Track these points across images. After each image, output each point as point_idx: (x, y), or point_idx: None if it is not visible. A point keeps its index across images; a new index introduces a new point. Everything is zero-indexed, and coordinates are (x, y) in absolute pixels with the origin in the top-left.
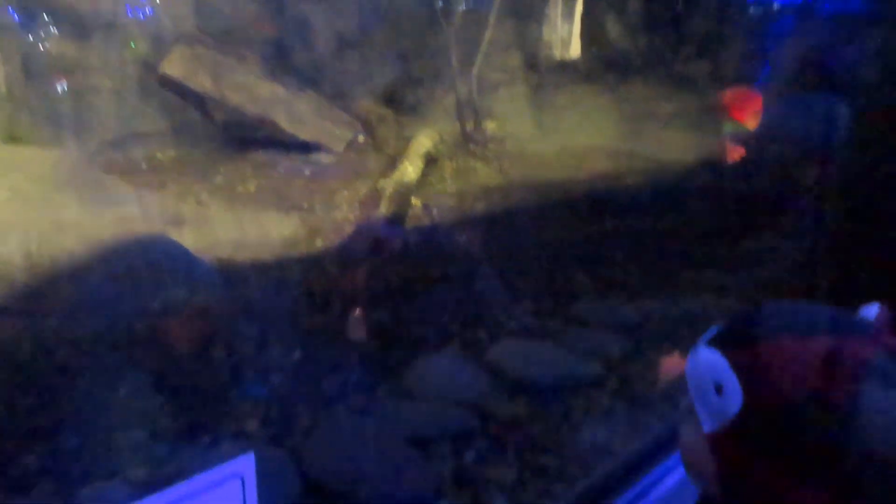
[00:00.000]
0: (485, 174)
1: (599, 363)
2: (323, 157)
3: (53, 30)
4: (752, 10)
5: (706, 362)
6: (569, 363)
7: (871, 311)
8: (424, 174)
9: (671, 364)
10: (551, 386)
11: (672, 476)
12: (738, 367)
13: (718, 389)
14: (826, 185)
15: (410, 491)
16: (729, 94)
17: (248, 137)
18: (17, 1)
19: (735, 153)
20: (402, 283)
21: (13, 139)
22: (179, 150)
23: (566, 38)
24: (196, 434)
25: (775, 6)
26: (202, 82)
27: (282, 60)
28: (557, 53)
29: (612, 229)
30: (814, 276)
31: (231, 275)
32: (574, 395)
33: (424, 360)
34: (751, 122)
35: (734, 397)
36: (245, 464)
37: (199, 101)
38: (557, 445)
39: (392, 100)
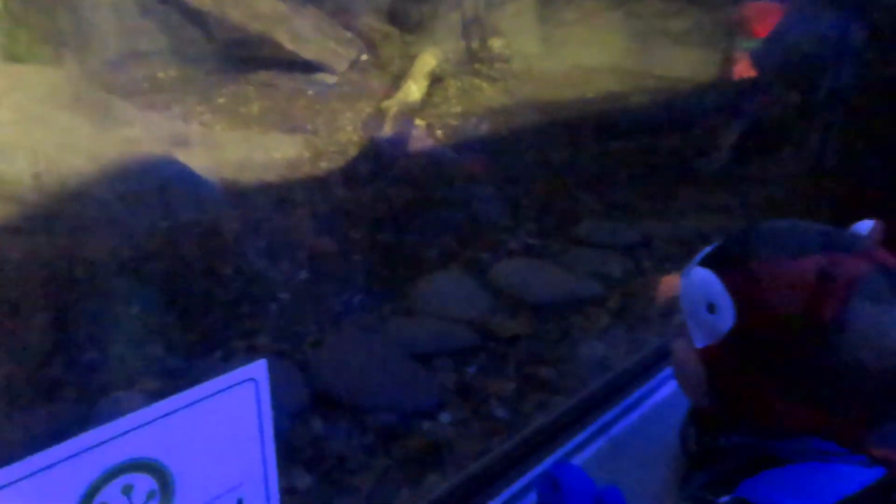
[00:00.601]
0: (490, 94)
1: (600, 283)
2: (326, 77)
3: None
4: None
5: (700, 281)
6: (570, 283)
7: (865, 227)
8: (429, 94)
9: (669, 283)
10: (552, 304)
11: (665, 388)
12: (731, 287)
13: (711, 308)
14: (834, 104)
15: (414, 401)
16: (750, 8)
17: (249, 57)
18: None
19: (747, 70)
20: (406, 204)
21: (14, 58)
22: (181, 70)
23: None
24: (208, 348)
25: None
26: None
27: None
28: None
29: (619, 149)
30: (816, 194)
31: (237, 195)
32: (574, 314)
33: (428, 279)
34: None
35: (726, 315)
36: (258, 370)
37: (199, 18)
38: (557, 361)
39: (395, 17)
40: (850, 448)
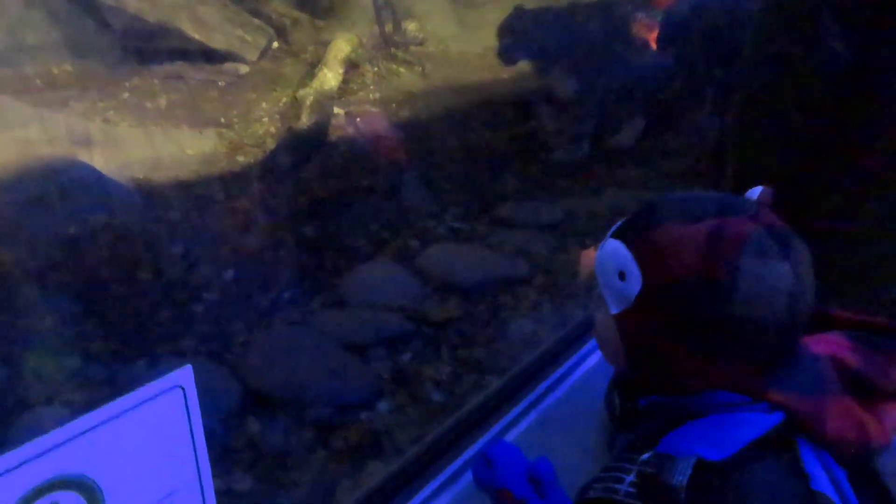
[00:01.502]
0: (407, 78)
1: (526, 261)
2: (237, 67)
3: None
4: None
5: (610, 251)
6: (497, 263)
7: (755, 192)
8: (345, 81)
9: (589, 257)
10: (481, 286)
11: (590, 359)
12: (636, 254)
13: (622, 275)
14: (732, 75)
15: (350, 392)
16: None
17: (152, 48)
18: None
19: (648, 33)
20: (329, 195)
21: None
22: (77, 65)
23: None
24: (131, 356)
25: None
26: None
27: None
28: None
29: (536, 129)
30: (719, 164)
31: (149, 195)
32: (503, 294)
33: (357, 269)
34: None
35: (634, 281)
36: (184, 375)
37: (92, 6)
38: (489, 341)
39: (305, 2)
40: (752, 397)
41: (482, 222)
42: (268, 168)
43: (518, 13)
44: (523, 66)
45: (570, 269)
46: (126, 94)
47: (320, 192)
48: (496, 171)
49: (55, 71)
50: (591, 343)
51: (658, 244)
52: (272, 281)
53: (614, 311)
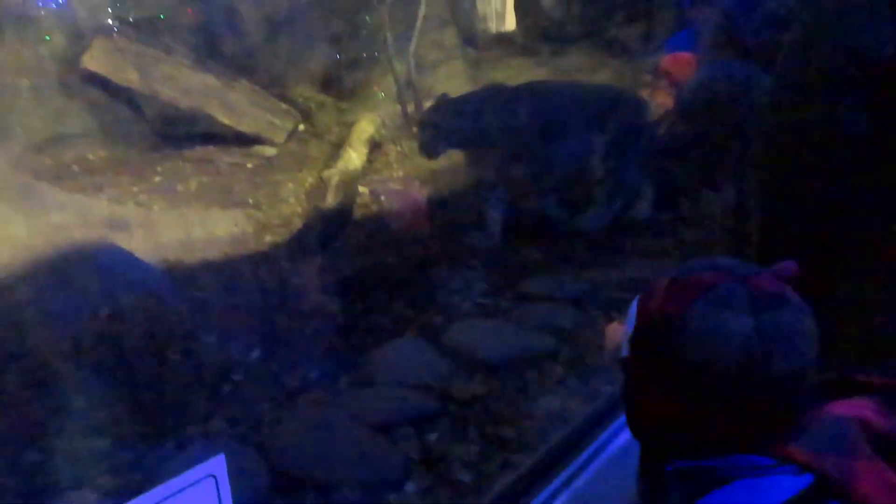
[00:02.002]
0: None
1: (552, 336)
2: (264, 149)
3: None
4: None
5: (633, 303)
6: (522, 338)
7: (783, 266)
8: (369, 160)
9: (614, 330)
10: (507, 362)
11: (622, 435)
12: (638, 299)
13: (630, 320)
14: (749, 148)
15: (378, 473)
16: (669, 59)
17: (183, 133)
18: None
19: (663, 98)
20: (355, 273)
21: None
22: (112, 150)
23: (500, 10)
24: (161, 438)
25: None
26: (128, 76)
27: (211, 49)
28: (493, 27)
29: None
30: (743, 235)
31: (180, 276)
32: (529, 369)
33: (383, 347)
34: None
35: (632, 324)
36: (217, 465)
37: (127, 96)
38: (516, 418)
39: (329, 85)
40: (778, 459)
41: (507, 297)
42: (294, 247)
43: (438, 104)
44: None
45: (596, 342)
46: (158, 178)
47: (347, 271)
48: (519, 243)
49: (91, 157)
50: (622, 419)
51: (651, 291)
52: (299, 360)
53: (623, 354)
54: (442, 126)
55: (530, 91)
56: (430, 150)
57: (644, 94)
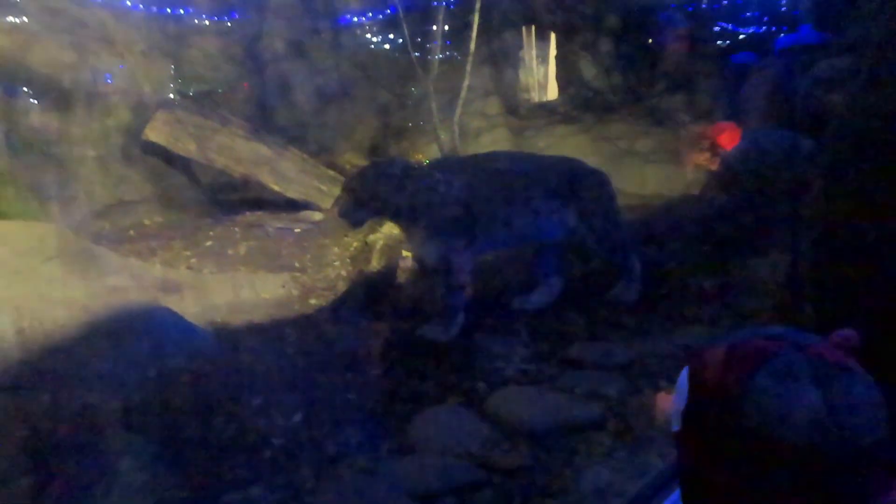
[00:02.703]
0: None
1: (598, 405)
2: (312, 215)
3: (35, 102)
4: (718, 43)
5: (682, 373)
6: (568, 407)
7: (843, 334)
8: None
9: (665, 400)
10: (552, 431)
11: None
12: (690, 372)
13: (680, 392)
14: (799, 214)
15: None
16: (715, 129)
17: (235, 199)
18: (3, 75)
19: (708, 165)
20: (398, 338)
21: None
22: (167, 216)
23: (542, 81)
24: (202, 501)
25: (740, 38)
26: (186, 146)
27: (264, 119)
28: (535, 97)
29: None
30: (796, 303)
31: (227, 338)
32: (576, 439)
33: (425, 413)
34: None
35: (683, 397)
36: None
37: (184, 165)
38: (562, 491)
39: (375, 152)
40: None
41: (551, 363)
42: (338, 311)
43: (362, 172)
44: None
45: (645, 412)
46: (209, 242)
47: (390, 335)
48: (562, 309)
49: (147, 223)
50: (676, 495)
51: (704, 362)
52: (341, 425)
53: (674, 429)
54: (362, 194)
55: (475, 163)
56: (347, 217)
57: (689, 160)
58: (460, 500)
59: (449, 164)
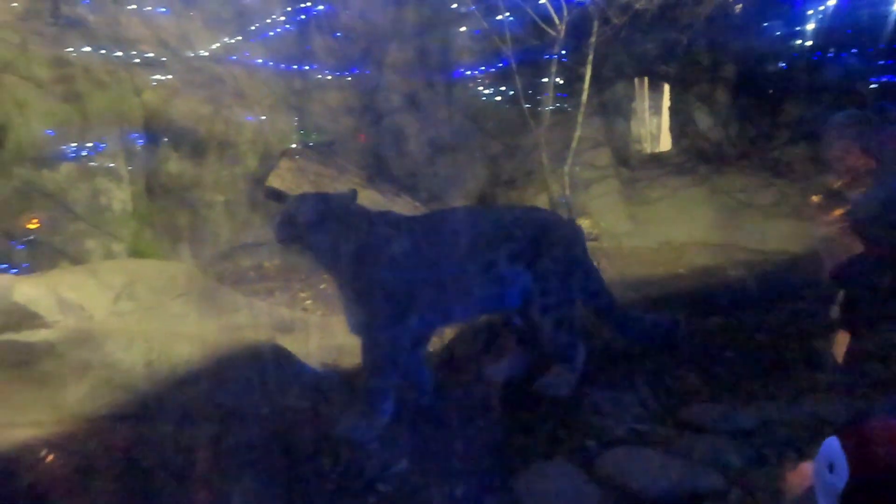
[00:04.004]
0: None
1: (718, 473)
2: None
3: (173, 151)
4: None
5: (826, 447)
6: (685, 473)
7: None
8: None
9: (798, 475)
10: (668, 499)
11: None
12: (845, 445)
13: (831, 468)
14: None
15: None
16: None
17: None
18: (143, 127)
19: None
20: (506, 391)
21: (137, 252)
22: (285, 259)
23: (655, 132)
24: None
25: (870, 85)
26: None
27: (379, 168)
28: (648, 147)
29: (719, 326)
30: None
31: (336, 379)
32: None
33: (530, 470)
34: None
35: (842, 474)
36: None
37: None
38: None
39: (485, 202)
40: None
41: (666, 425)
42: (446, 358)
43: (296, 200)
44: (698, 258)
45: (772, 485)
46: (323, 285)
47: (500, 387)
48: (676, 369)
49: (266, 265)
50: None
51: (868, 437)
52: (447, 476)
53: None
54: (294, 218)
55: (430, 221)
56: (278, 236)
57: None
58: None
59: (397, 219)
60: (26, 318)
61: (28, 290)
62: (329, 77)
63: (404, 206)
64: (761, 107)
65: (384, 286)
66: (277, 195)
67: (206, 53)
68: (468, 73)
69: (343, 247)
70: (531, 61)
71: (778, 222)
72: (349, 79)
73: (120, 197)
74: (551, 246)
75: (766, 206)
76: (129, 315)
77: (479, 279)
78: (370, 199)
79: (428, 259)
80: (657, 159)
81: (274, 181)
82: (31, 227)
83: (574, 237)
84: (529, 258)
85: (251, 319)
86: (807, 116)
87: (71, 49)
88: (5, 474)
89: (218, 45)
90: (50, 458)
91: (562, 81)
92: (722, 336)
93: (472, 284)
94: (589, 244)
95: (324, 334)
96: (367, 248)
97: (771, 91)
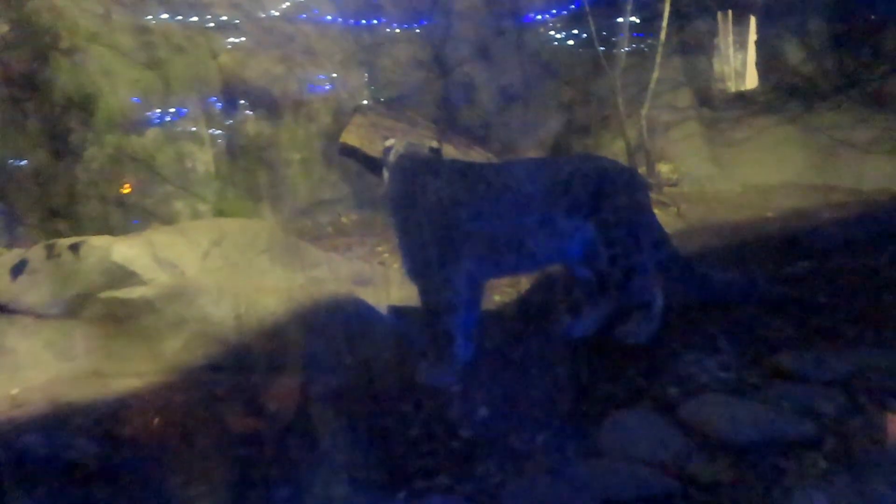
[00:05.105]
0: (662, 219)
1: (811, 421)
2: None
3: (250, 112)
4: None
5: None
6: (775, 421)
7: None
8: None
9: None
10: (756, 446)
11: None
12: None
13: None
14: None
15: None
16: None
17: None
18: (221, 90)
19: None
20: (587, 339)
21: (221, 212)
22: (361, 214)
23: (740, 68)
24: (392, 488)
25: None
26: (378, 148)
27: (450, 120)
28: (732, 86)
29: (812, 270)
30: None
31: (413, 330)
32: (784, 458)
33: (613, 417)
34: None
35: None
36: None
37: (377, 165)
38: None
39: (560, 150)
40: None
41: (754, 373)
42: (523, 308)
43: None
44: (788, 200)
45: (871, 435)
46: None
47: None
48: (766, 315)
49: (344, 220)
50: None
51: None
52: (528, 422)
53: None
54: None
55: (486, 172)
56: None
57: None
58: None
59: (460, 168)
60: (125, 276)
61: (125, 251)
62: (398, 30)
63: (477, 158)
64: (859, 35)
65: (431, 230)
66: (351, 151)
67: (277, 13)
68: (539, 17)
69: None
70: (605, 1)
71: (877, 159)
72: (417, 31)
73: (203, 159)
74: (612, 195)
75: (863, 144)
76: (217, 271)
77: (536, 232)
78: (443, 152)
79: (479, 208)
80: (742, 98)
81: (347, 138)
82: (125, 191)
83: (634, 185)
84: (589, 210)
85: (331, 273)
86: None
87: (150, 16)
88: (118, 420)
89: (288, 3)
90: (154, 407)
91: (638, 20)
92: (814, 281)
93: (528, 237)
94: (668, 189)
95: (401, 286)
96: (416, 192)
97: (871, 17)
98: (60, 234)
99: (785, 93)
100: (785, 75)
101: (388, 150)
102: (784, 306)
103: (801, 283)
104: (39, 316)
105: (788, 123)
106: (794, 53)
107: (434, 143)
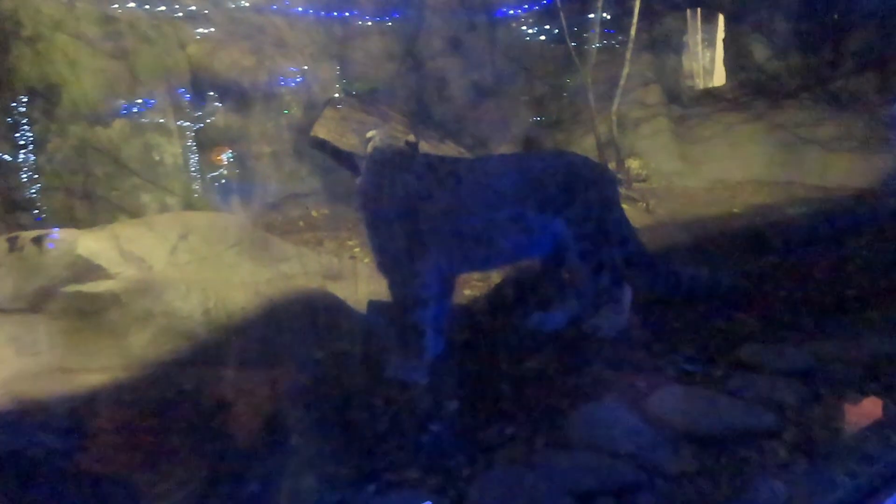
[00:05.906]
0: (631, 214)
1: (773, 412)
2: None
3: (219, 104)
4: None
5: None
6: (737, 412)
7: None
8: None
9: (857, 411)
10: (720, 437)
11: None
12: None
13: None
14: None
15: None
16: None
17: None
18: (190, 82)
19: None
20: (555, 331)
21: (189, 205)
22: (332, 208)
23: (709, 66)
24: (361, 482)
25: None
26: (350, 141)
27: (422, 114)
28: (700, 83)
29: (775, 265)
30: None
31: (382, 325)
32: (746, 447)
33: (581, 409)
34: None
35: None
36: None
37: (348, 159)
38: (731, 500)
39: (531, 145)
40: None
41: (719, 365)
42: (492, 302)
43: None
44: (754, 196)
45: (829, 424)
46: None
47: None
48: (729, 309)
49: (315, 214)
50: None
51: None
52: (496, 415)
53: None
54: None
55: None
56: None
57: None
58: (619, 502)
59: (432, 162)
60: (90, 270)
61: (90, 244)
62: (370, 23)
63: (448, 153)
64: (824, 34)
65: (402, 224)
66: (322, 144)
67: (247, 4)
68: (511, 12)
69: (363, 184)
70: None
71: (840, 157)
72: (390, 24)
73: (171, 151)
74: (582, 191)
75: (827, 141)
76: (185, 265)
77: (506, 227)
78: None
79: (449, 203)
80: (710, 95)
81: (318, 131)
82: (90, 183)
83: (604, 181)
84: (559, 205)
85: (301, 267)
86: (875, 42)
87: (116, 5)
88: (83, 415)
89: None
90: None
91: (609, 17)
92: (777, 276)
93: (497, 233)
94: (638, 185)
95: (371, 281)
96: (389, 185)
97: (835, 16)
98: (23, 227)
99: (751, 90)
100: (751, 73)
101: (366, 142)
102: (748, 300)
103: (764, 277)
104: (2, 310)
105: (755, 121)
106: (760, 51)
107: (411, 137)
